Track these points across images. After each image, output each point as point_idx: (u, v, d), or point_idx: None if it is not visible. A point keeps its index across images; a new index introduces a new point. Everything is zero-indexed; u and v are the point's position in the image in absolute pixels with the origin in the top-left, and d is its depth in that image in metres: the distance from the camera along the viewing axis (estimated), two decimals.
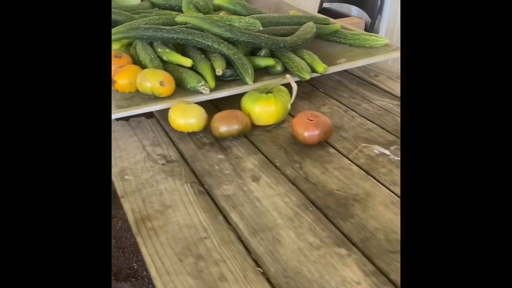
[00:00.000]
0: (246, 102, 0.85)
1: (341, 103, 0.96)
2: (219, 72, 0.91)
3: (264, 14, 1.11)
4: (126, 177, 0.72)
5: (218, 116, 0.81)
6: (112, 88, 0.89)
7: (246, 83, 0.93)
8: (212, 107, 0.91)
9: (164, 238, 0.60)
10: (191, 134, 0.84)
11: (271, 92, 0.86)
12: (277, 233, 0.60)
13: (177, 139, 0.83)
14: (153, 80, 0.84)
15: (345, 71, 1.08)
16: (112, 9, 1.15)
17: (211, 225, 0.62)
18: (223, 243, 0.59)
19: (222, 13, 1.19)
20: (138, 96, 0.88)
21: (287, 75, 0.88)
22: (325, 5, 2.28)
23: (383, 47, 1.09)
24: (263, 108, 0.83)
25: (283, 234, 0.59)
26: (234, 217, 0.63)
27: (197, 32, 0.96)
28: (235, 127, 0.80)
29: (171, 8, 1.43)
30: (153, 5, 1.43)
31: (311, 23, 1.07)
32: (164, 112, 0.86)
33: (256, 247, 0.57)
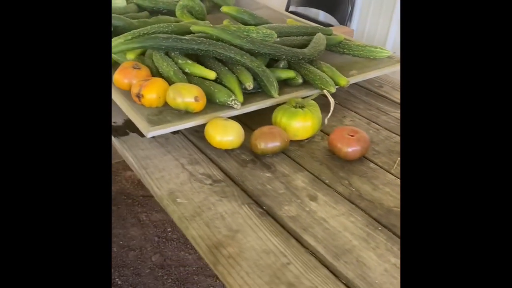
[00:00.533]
0: (281, 118, 0.84)
1: (360, 115, 0.98)
2: (250, 86, 0.89)
3: (274, 24, 1.10)
4: (178, 200, 0.69)
5: (259, 133, 0.80)
6: (137, 102, 0.84)
7: (271, 96, 0.92)
8: (235, 120, 0.89)
9: (247, 266, 0.58)
10: (229, 151, 0.82)
11: (303, 107, 0.86)
12: (359, 255, 0.60)
13: (215, 156, 0.81)
14: (188, 95, 0.81)
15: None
16: (111, 15, 1.08)
17: (288, 249, 0.61)
18: (308, 268, 0.58)
19: (225, 22, 1.17)
20: (167, 111, 0.84)
21: (325, 91, 0.89)
22: (291, 8, 2.31)
23: (386, 58, 1.13)
24: (301, 124, 0.83)
25: (365, 256, 0.60)
26: (309, 239, 0.63)
27: (219, 43, 0.93)
28: (277, 144, 0.79)
29: (159, 11, 1.38)
30: (140, 8, 1.36)
31: (321, 35, 1.09)
32: (191, 128, 0.83)
33: (345, 272, 0.58)
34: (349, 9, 1.99)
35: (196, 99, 0.82)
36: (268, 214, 0.68)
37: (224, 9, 1.13)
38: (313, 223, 0.66)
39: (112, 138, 0.85)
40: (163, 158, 0.79)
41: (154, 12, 1.38)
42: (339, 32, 1.39)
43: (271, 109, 0.91)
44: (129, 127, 0.88)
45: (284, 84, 0.98)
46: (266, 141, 0.79)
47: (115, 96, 0.87)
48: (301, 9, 2.32)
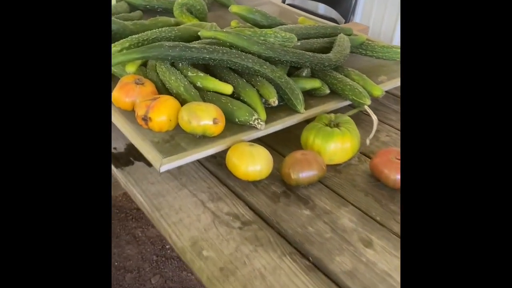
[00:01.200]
0: (314, 139, 0.72)
1: (395, 128, 0.86)
2: (274, 102, 0.76)
3: (290, 25, 0.97)
4: (204, 253, 0.56)
5: (291, 160, 0.67)
6: (144, 126, 0.71)
7: (296, 111, 0.80)
8: (257, 142, 0.76)
9: None
10: (256, 182, 0.69)
11: (338, 125, 0.73)
12: None
13: (240, 189, 0.68)
14: (206, 117, 0.68)
15: None
16: None
17: None
18: None
19: (233, 23, 1.03)
20: (180, 136, 0.70)
21: (366, 107, 0.76)
22: (288, 1, 2.17)
23: None
24: (339, 146, 0.71)
25: None
26: None
27: (233, 51, 0.80)
28: (314, 173, 0.67)
29: (154, 10, 1.24)
30: (132, 7, 1.22)
31: (344, 36, 0.96)
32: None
33: None
34: (353, 2, 1.87)
35: (215, 121, 0.68)
36: (317, 268, 0.55)
37: (233, 9, 0.99)
38: (376, 279, 0.54)
39: (113, 168, 0.72)
40: (179, 194, 0.66)
41: (147, 11, 1.23)
42: (355, 29, 1.26)
43: (296, 126, 0.78)
44: (133, 154, 0.74)
45: (308, 95, 0.85)
46: (301, 170, 0.66)
47: (115, 118, 0.74)
48: (298, 2, 2.19)
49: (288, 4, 2.14)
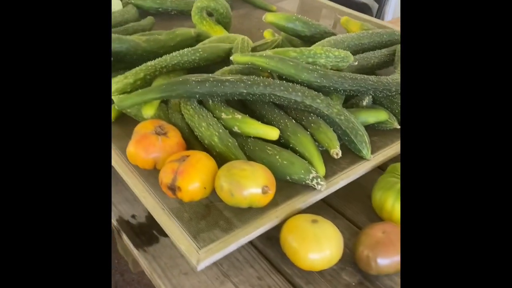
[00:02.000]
0: (394, 203, 0.55)
1: None
2: (338, 154, 0.59)
3: (338, 36, 0.78)
4: None
5: (369, 240, 0.51)
6: (171, 196, 0.54)
7: (361, 157, 0.62)
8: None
9: None
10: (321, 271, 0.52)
11: None
12: None
13: (301, 279, 0.51)
14: (253, 186, 0.51)
15: None
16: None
17: None
18: None
19: (267, 33, 0.84)
20: (218, 207, 0.54)
21: None
22: None
23: None
24: None
25: None
26: None
27: (277, 82, 0.62)
28: (399, 259, 0.50)
29: (167, 13, 1.06)
30: (141, 11, 1.03)
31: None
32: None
33: None
34: None
35: (264, 190, 0.52)
36: None
37: (268, 18, 0.81)
38: None
39: (133, 248, 0.56)
40: None
41: (159, 14, 1.05)
42: (398, 26, 1.07)
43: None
44: (157, 227, 0.58)
45: (369, 129, 0.68)
46: (384, 255, 0.49)
47: (132, 181, 0.57)
48: None
49: None
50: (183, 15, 1.05)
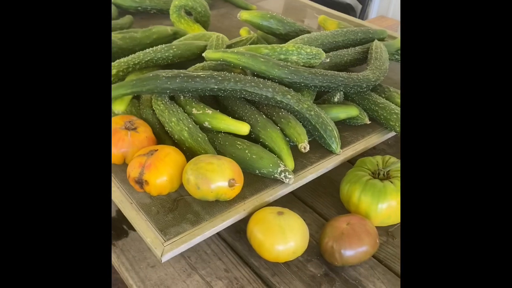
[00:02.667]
0: (360, 196, 0.55)
1: None
2: (305, 148, 0.59)
3: (313, 33, 0.79)
4: None
5: (334, 232, 0.51)
6: (138, 190, 0.54)
7: (331, 152, 0.63)
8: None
9: None
10: (287, 261, 0.53)
11: (389, 174, 0.57)
12: None
13: (267, 271, 0.52)
14: (219, 179, 0.51)
15: None
16: None
17: None
18: None
19: (243, 31, 0.85)
20: (186, 201, 0.54)
21: None
22: None
23: None
24: (394, 204, 0.55)
25: None
26: None
27: (248, 78, 0.63)
28: (366, 249, 0.51)
29: (146, 12, 1.06)
30: (121, 10, 1.04)
31: (379, 44, 0.78)
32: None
33: None
34: None
35: (230, 183, 0.52)
36: None
37: (243, 16, 0.81)
38: None
39: None
40: (188, 284, 0.50)
41: (139, 13, 1.06)
42: (378, 25, 1.08)
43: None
44: (127, 221, 0.58)
45: (341, 124, 0.68)
46: (348, 246, 0.50)
47: None
48: None
49: None
50: (163, 14, 1.05)
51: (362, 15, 1.70)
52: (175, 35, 0.85)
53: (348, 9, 1.75)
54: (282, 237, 0.50)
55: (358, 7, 1.72)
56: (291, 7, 1.19)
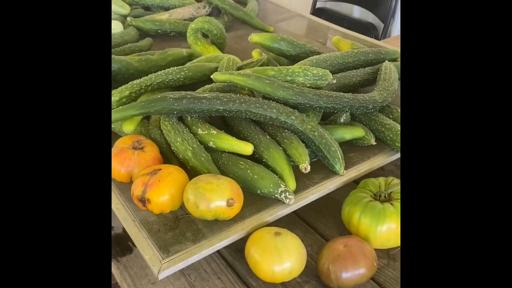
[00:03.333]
0: (360, 217, 0.55)
1: None
2: (306, 169, 0.60)
3: (322, 55, 0.80)
4: None
5: (331, 253, 0.51)
6: (141, 208, 0.56)
7: (334, 172, 0.63)
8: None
9: None
10: (284, 282, 0.53)
11: (390, 196, 0.57)
12: None
13: None
14: (217, 199, 0.53)
15: None
16: None
17: None
18: None
19: (255, 52, 0.87)
20: (186, 219, 0.56)
21: None
22: (319, 4, 1.99)
23: None
24: (393, 227, 0.54)
25: None
26: None
27: (253, 99, 0.64)
28: (363, 273, 0.50)
29: (166, 34, 1.09)
30: (141, 32, 1.08)
31: (388, 65, 0.78)
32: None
33: None
34: (393, 4, 1.66)
35: (229, 202, 0.53)
36: None
37: (253, 38, 0.83)
38: None
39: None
40: None
41: (159, 36, 1.09)
42: (395, 45, 1.08)
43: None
44: (131, 239, 0.60)
45: (347, 144, 0.69)
46: (344, 269, 0.50)
47: None
48: (331, 5, 2.00)
49: (319, 8, 1.96)
50: (182, 36, 1.09)
51: (384, 33, 1.69)
52: (190, 57, 0.88)
53: (370, 29, 1.75)
54: (278, 258, 0.50)
55: (381, 26, 1.72)
56: (312, 28, 1.21)
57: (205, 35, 1.01)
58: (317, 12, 1.94)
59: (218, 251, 0.57)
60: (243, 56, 0.87)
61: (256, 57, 0.83)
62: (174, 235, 0.54)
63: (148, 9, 1.22)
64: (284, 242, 0.51)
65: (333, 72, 0.75)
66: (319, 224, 0.61)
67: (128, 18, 1.08)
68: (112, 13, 1.14)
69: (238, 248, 0.58)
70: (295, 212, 0.62)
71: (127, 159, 0.59)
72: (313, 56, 0.81)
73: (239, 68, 0.79)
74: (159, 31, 1.08)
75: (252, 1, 1.27)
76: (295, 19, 1.27)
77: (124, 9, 1.13)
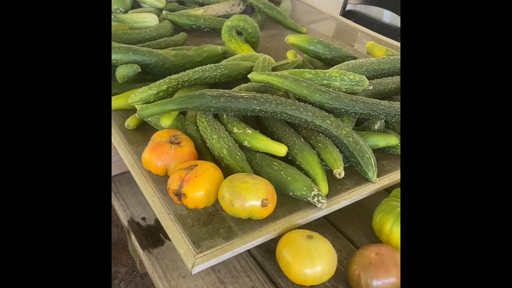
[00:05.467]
0: (392, 226, 0.55)
1: None
2: (340, 174, 0.60)
3: (358, 60, 0.80)
4: None
5: (362, 260, 0.52)
6: (177, 202, 0.57)
7: (367, 179, 0.63)
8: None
9: None
10: (314, 285, 0.54)
11: None
12: None
13: None
14: (252, 198, 0.53)
15: None
16: (139, 47, 0.81)
17: None
18: None
19: (290, 54, 0.87)
20: (220, 217, 0.57)
21: None
22: (349, 6, 1.97)
23: None
24: None
25: None
26: None
27: (289, 101, 0.64)
28: (393, 281, 0.50)
29: (200, 30, 1.10)
30: (176, 26, 1.09)
31: None
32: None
33: None
34: None
35: (263, 203, 0.54)
36: None
37: (290, 39, 0.84)
38: None
39: (139, 249, 0.59)
40: None
41: (193, 31, 1.10)
42: None
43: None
44: (164, 231, 0.61)
45: (380, 152, 0.69)
46: (375, 276, 0.50)
47: (143, 185, 0.61)
48: (361, 8, 1.98)
49: (349, 11, 1.95)
50: (215, 32, 1.10)
51: None
52: (225, 55, 0.88)
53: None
54: (310, 261, 0.51)
55: None
56: (342, 31, 1.20)
57: (239, 33, 1.02)
58: (346, 14, 1.93)
59: (248, 250, 0.58)
60: (275, 56, 0.87)
61: (291, 58, 0.83)
62: (208, 231, 0.55)
63: (183, 3, 1.23)
64: (316, 246, 0.52)
65: (368, 78, 0.75)
66: (349, 230, 0.62)
67: (164, 12, 1.10)
68: (148, 6, 1.16)
69: (268, 248, 0.58)
70: (324, 216, 0.62)
71: (164, 153, 0.60)
72: (348, 60, 0.81)
73: (274, 69, 0.80)
74: (194, 26, 1.09)
75: (286, 0, 1.27)
76: (328, 21, 1.26)
77: (160, 2, 1.14)
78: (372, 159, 0.63)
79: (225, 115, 0.67)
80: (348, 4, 1.97)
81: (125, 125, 0.70)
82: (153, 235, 0.61)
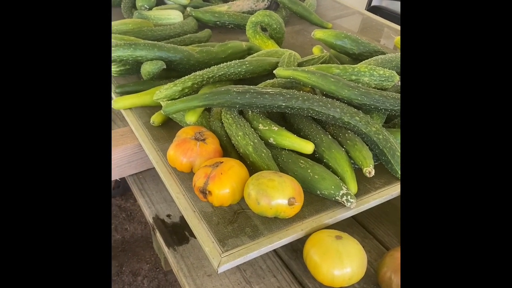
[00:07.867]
0: None
1: None
2: (370, 173, 0.58)
3: (387, 55, 0.78)
4: None
5: (393, 262, 0.50)
6: (202, 199, 0.56)
7: (399, 179, 0.61)
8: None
9: None
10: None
11: None
12: None
13: None
14: (279, 197, 0.52)
15: None
16: (164, 44, 0.81)
17: None
18: None
19: (316, 49, 0.85)
20: (245, 215, 0.55)
21: None
22: (375, 2, 1.93)
23: None
24: None
25: None
26: None
27: (316, 97, 0.63)
28: None
29: (224, 26, 1.09)
30: (201, 23, 1.08)
31: None
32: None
33: None
34: None
35: (290, 201, 0.52)
36: None
37: (317, 34, 0.82)
38: None
39: (164, 246, 0.58)
40: None
41: (217, 27, 1.10)
42: None
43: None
44: (189, 228, 0.60)
45: None
46: None
47: (169, 182, 0.60)
48: (387, 3, 1.94)
49: (374, 6, 1.91)
50: (240, 28, 1.09)
51: None
52: (249, 51, 0.87)
53: None
54: (339, 262, 0.49)
55: None
56: (368, 26, 1.18)
57: (264, 29, 1.00)
58: (372, 9, 1.89)
59: (274, 249, 0.57)
60: (300, 52, 0.86)
61: (317, 54, 0.81)
62: (233, 229, 0.53)
63: (207, 0, 1.22)
64: (345, 247, 0.50)
65: (398, 74, 0.73)
66: (378, 231, 0.60)
67: (188, 8, 1.09)
68: (172, 3, 1.15)
69: (294, 248, 0.57)
70: (352, 216, 0.60)
71: (190, 150, 0.60)
72: (377, 55, 0.79)
73: (299, 64, 0.78)
74: (218, 22, 1.09)
75: None
76: (354, 16, 1.24)
77: None
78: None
79: (250, 111, 0.65)
80: (373, 0, 1.93)
81: (151, 121, 0.70)
82: (178, 233, 0.60)
